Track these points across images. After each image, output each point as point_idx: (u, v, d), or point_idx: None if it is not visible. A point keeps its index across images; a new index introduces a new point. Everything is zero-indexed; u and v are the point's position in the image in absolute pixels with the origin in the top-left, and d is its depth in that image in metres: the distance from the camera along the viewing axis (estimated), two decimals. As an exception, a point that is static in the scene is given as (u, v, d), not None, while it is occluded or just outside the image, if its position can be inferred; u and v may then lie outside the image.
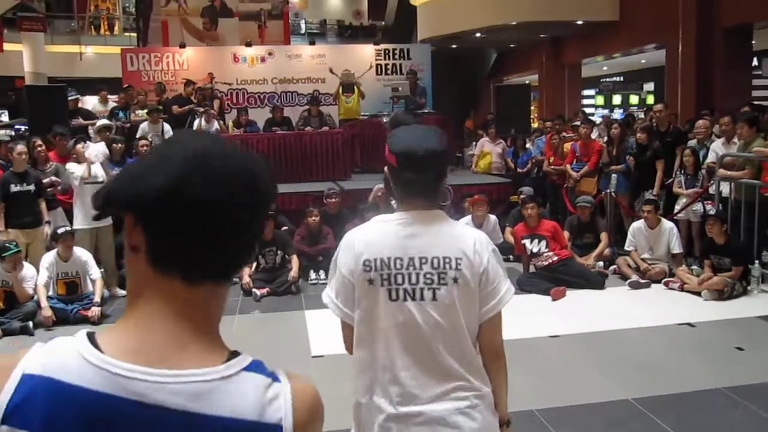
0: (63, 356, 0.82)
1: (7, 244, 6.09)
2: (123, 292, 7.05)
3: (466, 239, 1.85)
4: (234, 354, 0.89)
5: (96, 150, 6.97)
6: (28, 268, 6.21)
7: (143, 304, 0.86)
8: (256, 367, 0.89)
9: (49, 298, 6.16)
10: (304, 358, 5.08)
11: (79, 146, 6.95)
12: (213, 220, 0.84)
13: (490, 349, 1.89)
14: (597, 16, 15.09)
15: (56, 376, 0.80)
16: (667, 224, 7.06)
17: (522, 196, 8.06)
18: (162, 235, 0.85)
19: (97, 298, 6.25)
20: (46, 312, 6.01)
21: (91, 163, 6.74)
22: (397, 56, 14.35)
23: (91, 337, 0.84)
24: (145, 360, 0.82)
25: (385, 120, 10.84)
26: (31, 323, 5.93)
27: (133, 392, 0.80)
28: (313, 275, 7.37)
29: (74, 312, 6.17)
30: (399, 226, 1.84)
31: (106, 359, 0.81)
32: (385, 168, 1.92)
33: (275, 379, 0.89)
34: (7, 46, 21.86)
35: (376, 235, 1.85)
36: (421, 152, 1.81)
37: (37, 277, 6.21)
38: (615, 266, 7.20)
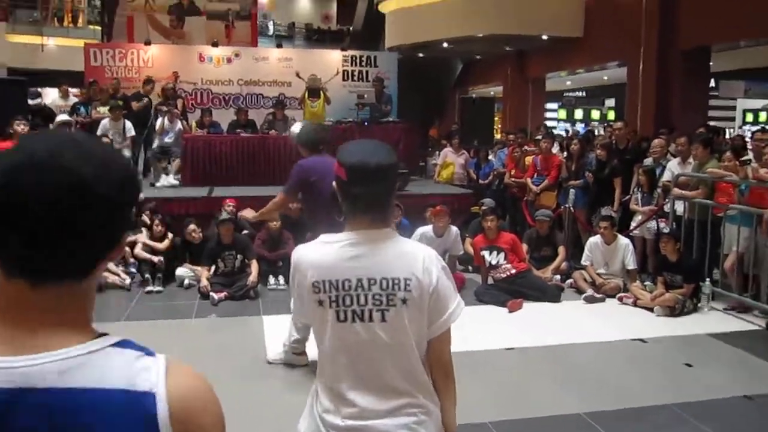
0: None
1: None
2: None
3: (416, 258, 1.83)
4: (103, 335, 0.91)
5: None
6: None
7: (4, 307, 0.88)
8: (125, 343, 0.90)
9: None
10: (260, 364, 5.05)
11: None
12: (38, 230, 0.84)
13: (439, 365, 1.88)
14: (562, 32, 15.36)
15: None
16: (623, 240, 7.21)
17: (483, 208, 8.15)
18: None
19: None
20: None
21: None
22: (364, 63, 14.36)
23: None
24: (5, 350, 0.84)
25: (349, 122, 10.88)
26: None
27: None
28: (272, 280, 7.33)
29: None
30: (347, 247, 1.82)
31: None
32: (333, 183, 1.90)
33: (148, 353, 0.91)
34: (-36, 34, 21.31)
35: (324, 256, 1.83)
36: (373, 165, 1.80)
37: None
38: (571, 280, 7.31)
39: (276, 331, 5.77)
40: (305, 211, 4.92)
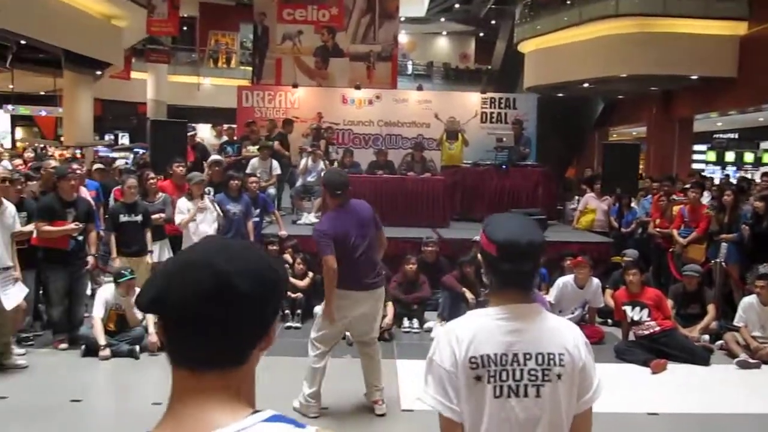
0: None
1: (122, 271, 6.48)
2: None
3: (565, 333, 1.86)
4: (256, 412, 1.00)
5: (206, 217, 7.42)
6: (139, 295, 6.56)
7: (173, 391, 1.01)
8: (276, 418, 0.98)
9: (155, 323, 6.46)
10: (392, 411, 5.03)
11: (199, 191, 7.35)
12: (190, 324, 0.98)
13: None
14: (713, 72, 14.69)
15: None
16: (782, 302, 6.68)
17: (626, 259, 7.85)
18: (165, 333, 1.01)
19: (200, 328, 6.49)
20: (153, 338, 6.31)
21: (200, 209, 7.20)
22: (502, 105, 14.31)
23: None
24: None
25: (487, 165, 10.89)
26: (137, 347, 6.24)
27: None
28: (406, 323, 7.38)
29: (178, 340, 6.43)
30: (501, 321, 1.83)
31: None
32: (478, 255, 1.95)
33: (297, 425, 0.98)
34: (133, 75, 23.44)
35: (479, 331, 1.83)
36: (524, 244, 1.82)
37: (147, 303, 6.54)
38: (722, 342, 6.82)
39: (409, 375, 5.80)
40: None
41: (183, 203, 7.30)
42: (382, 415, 4.94)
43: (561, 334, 1.85)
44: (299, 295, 7.63)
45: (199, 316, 0.97)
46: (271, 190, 10.20)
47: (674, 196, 9.29)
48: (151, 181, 7.76)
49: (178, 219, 7.24)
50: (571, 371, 1.80)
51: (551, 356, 1.80)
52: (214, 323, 0.98)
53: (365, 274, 4.82)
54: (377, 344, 5.16)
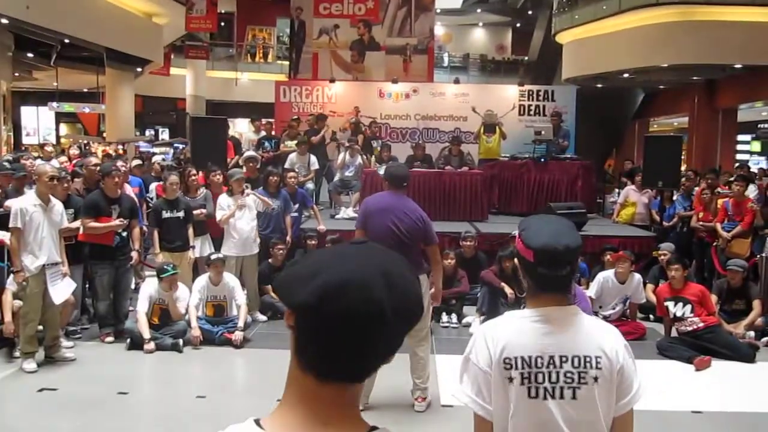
0: None
1: (165, 266, 6.61)
2: (263, 318, 7.41)
3: (602, 335, 1.86)
4: (373, 428, 1.00)
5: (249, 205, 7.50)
6: (182, 289, 6.67)
7: (291, 391, 1.02)
8: None
9: (198, 318, 6.59)
10: (432, 407, 5.04)
11: (240, 188, 7.42)
12: (341, 340, 0.96)
13: None
14: (759, 60, 14.29)
15: None
16: (830, 298, 6.51)
17: (661, 251, 7.73)
18: (303, 334, 0.99)
19: (240, 324, 6.59)
20: (195, 332, 6.42)
21: (241, 207, 7.29)
22: (541, 97, 14.16)
23: (257, 422, 1.00)
24: None
25: (525, 158, 10.83)
26: (181, 341, 6.34)
27: None
28: (445, 318, 7.39)
29: (219, 334, 6.53)
30: (537, 324, 1.84)
31: None
32: (515, 259, 1.96)
33: None
34: (172, 71, 23.77)
35: (515, 332, 1.85)
36: (561, 249, 1.82)
37: (189, 297, 6.67)
38: (768, 338, 6.70)
39: (448, 370, 5.79)
40: None
41: (224, 200, 7.40)
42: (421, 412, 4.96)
43: (598, 336, 1.85)
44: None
45: (344, 332, 0.97)
46: (310, 185, 10.27)
47: (718, 189, 9.09)
48: (193, 177, 7.88)
49: (219, 215, 7.34)
50: (609, 374, 1.81)
51: (587, 359, 1.81)
52: (355, 341, 0.98)
53: None
54: (426, 343, 5.10)
